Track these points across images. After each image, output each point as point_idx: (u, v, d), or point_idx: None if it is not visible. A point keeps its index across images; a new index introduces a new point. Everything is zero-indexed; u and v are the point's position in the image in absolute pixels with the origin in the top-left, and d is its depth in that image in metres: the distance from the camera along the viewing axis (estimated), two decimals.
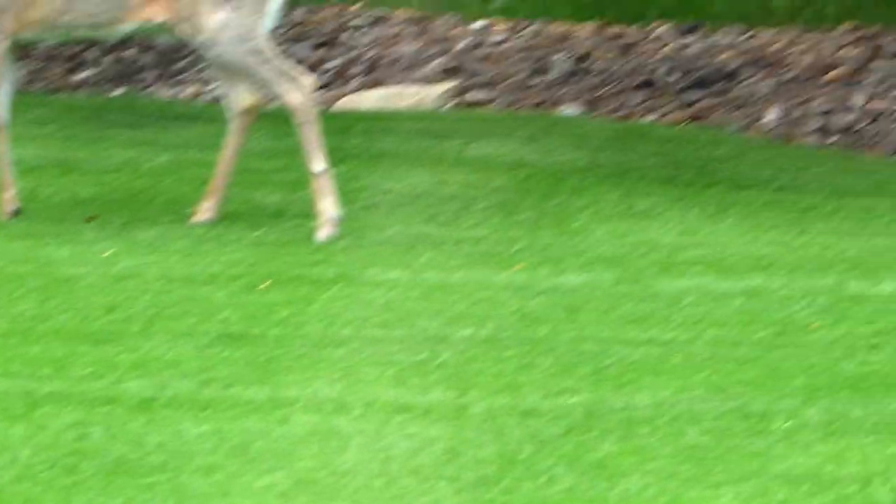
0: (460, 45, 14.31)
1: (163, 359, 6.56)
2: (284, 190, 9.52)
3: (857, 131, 11.28)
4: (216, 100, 12.30)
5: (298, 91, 8.54)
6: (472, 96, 12.67)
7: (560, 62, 13.19)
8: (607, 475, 4.52)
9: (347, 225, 8.57)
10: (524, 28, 14.21)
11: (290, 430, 5.49)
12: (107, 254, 8.45)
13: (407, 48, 14.43)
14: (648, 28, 13.91)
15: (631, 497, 4.41)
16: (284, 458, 4.95)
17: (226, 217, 8.94)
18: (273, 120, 9.84)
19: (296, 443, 5.21)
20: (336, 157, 9.01)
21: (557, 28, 14.07)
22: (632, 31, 14.02)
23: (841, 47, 12.87)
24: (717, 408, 5.69)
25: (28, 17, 8.29)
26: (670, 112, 11.98)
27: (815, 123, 11.40)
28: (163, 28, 8.78)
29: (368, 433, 5.68)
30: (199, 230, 8.84)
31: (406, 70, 13.85)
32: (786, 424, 5.41)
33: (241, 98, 8.78)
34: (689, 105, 12.11)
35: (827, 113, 11.48)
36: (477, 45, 13.97)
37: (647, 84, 12.61)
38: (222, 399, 5.99)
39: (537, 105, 12.30)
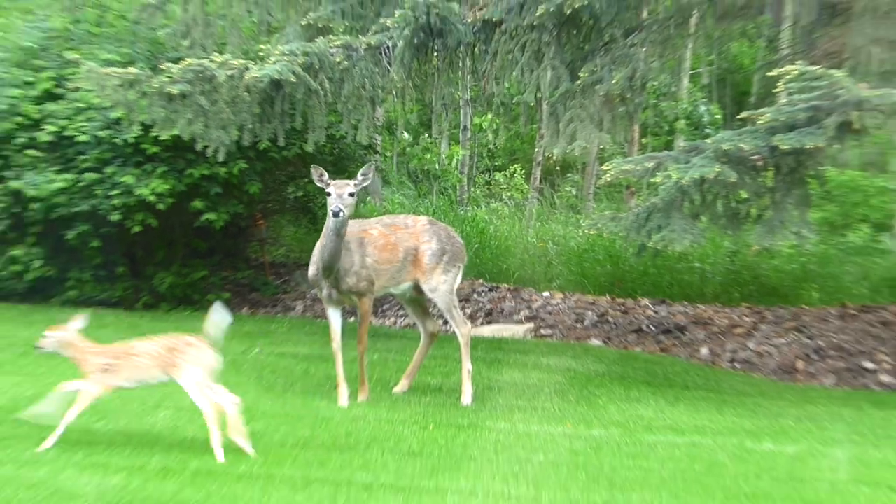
0: (536, 304, 13.64)
1: None
2: (441, 376, 9.26)
3: (750, 362, 10.99)
4: (406, 326, 12.32)
5: (466, 326, 8.46)
6: (542, 332, 12.49)
7: (590, 316, 12.87)
8: None
9: (476, 397, 8.30)
10: (571, 297, 13.78)
11: None
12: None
13: (507, 304, 13.66)
14: (637, 300, 13.66)
15: None
16: None
17: (412, 389, 8.58)
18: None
19: None
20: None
21: (588, 298, 13.75)
22: (629, 302, 13.63)
23: (742, 316, 12.71)
24: None
25: (378, 286, 8.25)
26: (650, 346, 11.84)
27: (728, 356, 11.24)
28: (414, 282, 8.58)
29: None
30: (416, 394, 8.53)
31: (507, 316, 13.26)
32: None
33: (429, 326, 8.73)
34: (660, 343, 11.91)
35: (735, 351, 11.33)
36: (545, 305, 13.56)
37: (637, 330, 12.42)
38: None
39: (578, 339, 12.17)
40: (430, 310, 8.73)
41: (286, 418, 7.31)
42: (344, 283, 8.09)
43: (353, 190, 7.79)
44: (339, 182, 7.81)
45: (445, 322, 8.67)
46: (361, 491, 5.57)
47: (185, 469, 5.85)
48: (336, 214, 7.76)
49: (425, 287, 8.39)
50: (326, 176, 7.80)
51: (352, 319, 10.14)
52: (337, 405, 7.98)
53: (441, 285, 8.37)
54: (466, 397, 8.19)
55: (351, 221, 8.20)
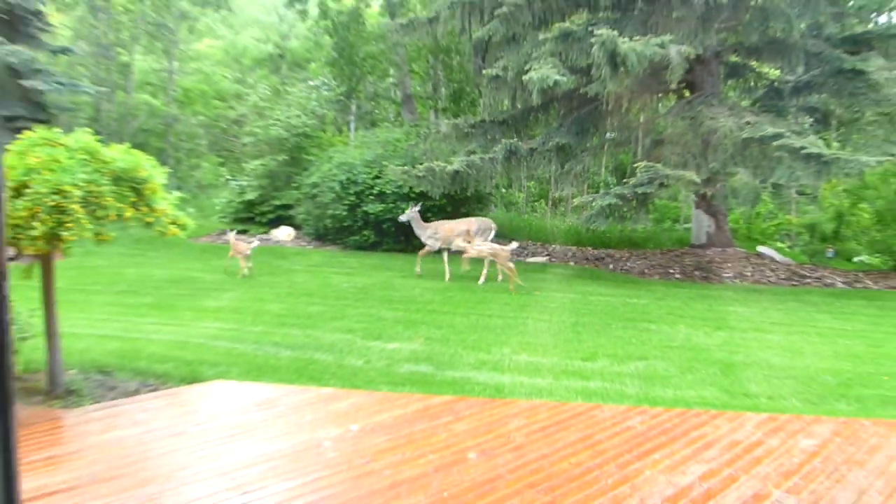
0: (550, 249, 11.90)
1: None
2: (491, 275, 8.06)
3: (628, 271, 9.95)
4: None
5: (505, 252, 7.63)
6: (552, 260, 11.01)
7: (569, 255, 11.56)
8: None
9: (524, 287, 7.51)
10: (562, 248, 12.31)
11: None
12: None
13: (539, 250, 11.89)
14: (587, 248, 12.30)
15: None
16: None
17: (490, 281, 7.79)
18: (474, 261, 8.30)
19: None
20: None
21: (569, 248, 12.23)
22: (584, 249, 12.28)
23: (625, 252, 11.56)
24: None
25: (445, 241, 7.85)
26: (591, 265, 10.69)
27: (620, 268, 10.17)
28: (457, 245, 7.70)
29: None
30: (491, 286, 7.67)
31: (537, 254, 11.36)
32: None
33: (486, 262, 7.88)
34: (594, 264, 10.58)
35: (623, 266, 10.25)
36: (553, 250, 11.92)
37: (587, 258, 11.05)
38: None
39: (564, 263, 10.86)
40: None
41: (452, 290, 7.12)
42: (426, 243, 8.10)
43: (408, 210, 7.86)
44: (408, 211, 7.99)
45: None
46: (485, 317, 5.65)
47: (418, 308, 5.63)
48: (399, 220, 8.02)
49: (474, 242, 7.94)
50: (411, 207, 7.84)
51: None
52: (473, 286, 7.40)
53: (481, 242, 7.94)
54: (516, 282, 7.58)
55: (439, 221, 8.18)
